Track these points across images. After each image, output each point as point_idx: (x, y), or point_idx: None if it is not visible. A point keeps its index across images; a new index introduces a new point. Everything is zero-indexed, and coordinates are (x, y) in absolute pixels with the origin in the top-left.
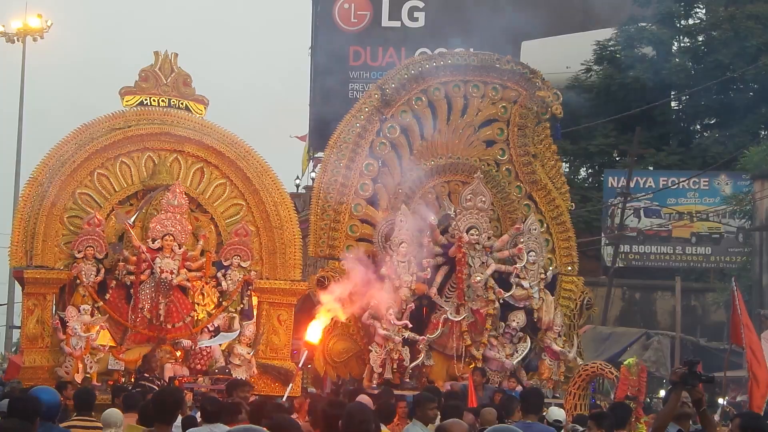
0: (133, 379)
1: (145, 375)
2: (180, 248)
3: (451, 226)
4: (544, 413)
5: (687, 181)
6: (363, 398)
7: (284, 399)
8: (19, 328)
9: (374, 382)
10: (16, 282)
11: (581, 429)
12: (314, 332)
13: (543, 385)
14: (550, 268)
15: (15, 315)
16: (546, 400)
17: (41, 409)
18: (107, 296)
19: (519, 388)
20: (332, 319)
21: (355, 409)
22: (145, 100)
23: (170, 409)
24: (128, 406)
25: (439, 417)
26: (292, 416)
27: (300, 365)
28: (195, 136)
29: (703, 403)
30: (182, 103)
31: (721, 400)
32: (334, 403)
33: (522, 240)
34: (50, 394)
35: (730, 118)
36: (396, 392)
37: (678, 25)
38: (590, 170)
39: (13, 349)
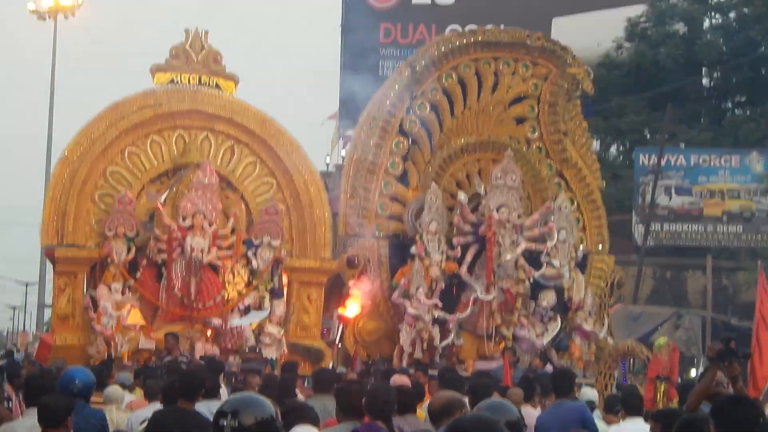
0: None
1: (168, 355)
2: (210, 227)
3: (481, 204)
4: (576, 394)
5: (718, 159)
6: (401, 378)
7: None
8: (50, 306)
9: (404, 361)
10: (47, 260)
11: None
12: (351, 309)
13: (573, 365)
14: (581, 247)
15: (46, 293)
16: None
17: None
18: (138, 275)
19: (549, 368)
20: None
21: (380, 389)
22: (176, 77)
23: (193, 387)
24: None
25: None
26: None
27: (337, 341)
28: (226, 114)
29: (738, 379)
30: (213, 81)
31: None
32: (350, 380)
33: (552, 218)
34: (85, 373)
35: (761, 95)
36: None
37: (709, 1)
38: (621, 148)
39: (44, 328)
